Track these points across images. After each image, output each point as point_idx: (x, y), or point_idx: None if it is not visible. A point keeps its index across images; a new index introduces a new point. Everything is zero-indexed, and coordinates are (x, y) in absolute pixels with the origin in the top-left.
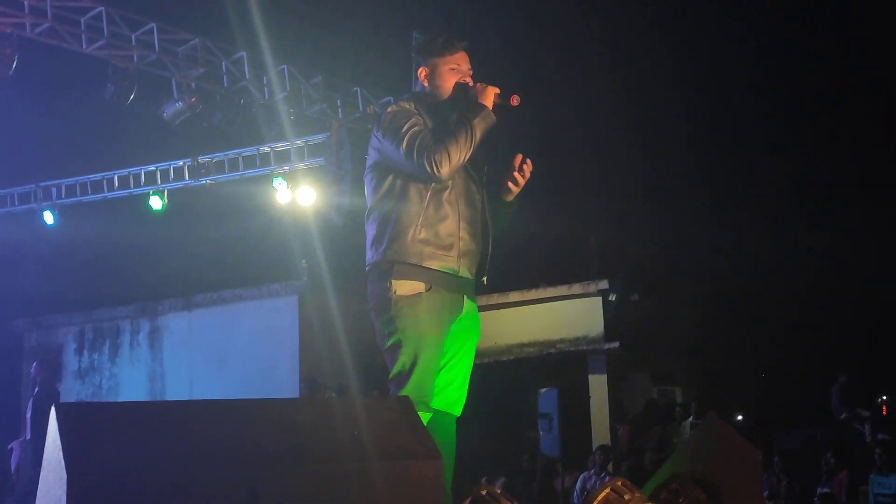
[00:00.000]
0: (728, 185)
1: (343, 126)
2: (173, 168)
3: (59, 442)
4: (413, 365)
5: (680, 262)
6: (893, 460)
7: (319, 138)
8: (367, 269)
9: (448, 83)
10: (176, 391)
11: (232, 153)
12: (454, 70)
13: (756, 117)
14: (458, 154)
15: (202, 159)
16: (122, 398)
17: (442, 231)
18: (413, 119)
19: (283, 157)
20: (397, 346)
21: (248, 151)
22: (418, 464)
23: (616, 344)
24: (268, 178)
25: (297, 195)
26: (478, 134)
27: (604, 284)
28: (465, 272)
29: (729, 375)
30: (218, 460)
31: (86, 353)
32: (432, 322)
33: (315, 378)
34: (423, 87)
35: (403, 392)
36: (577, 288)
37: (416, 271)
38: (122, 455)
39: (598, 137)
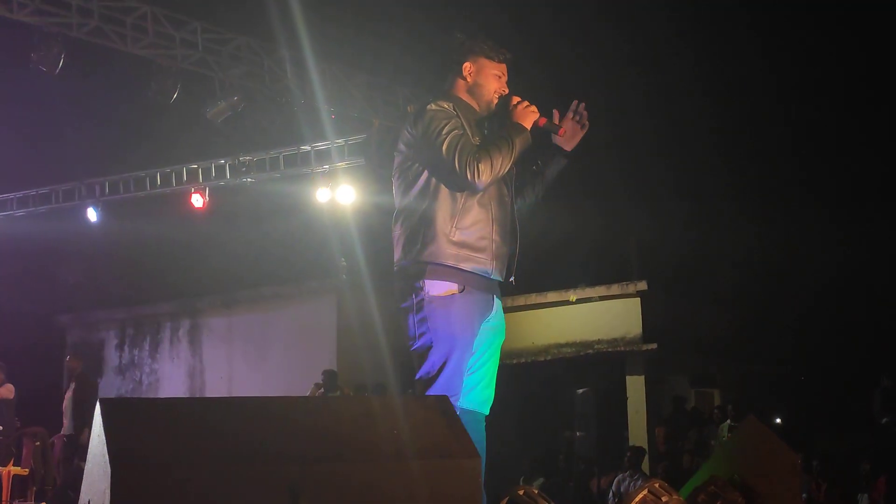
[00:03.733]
0: (771, 187)
1: (383, 126)
2: (215, 166)
3: (103, 436)
4: (443, 365)
5: (720, 264)
6: None
7: (360, 138)
8: (395, 268)
9: (491, 86)
10: (215, 388)
11: (273, 152)
12: (498, 77)
13: (795, 115)
14: (501, 166)
15: (243, 158)
16: (162, 394)
17: (476, 233)
18: (454, 122)
19: (323, 157)
20: (428, 346)
21: (288, 150)
22: (457, 463)
23: (654, 345)
24: (308, 178)
25: (337, 194)
26: (517, 152)
27: (643, 285)
28: (496, 274)
29: (768, 378)
30: (258, 458)
31: (127, 348)
32: (465, 323)
33: (335, 371)
34: (466, 82)
35: (431, 392)
36: (615, 288)
37: (451, 273)
38: (165, 450)
39: (638, 138)
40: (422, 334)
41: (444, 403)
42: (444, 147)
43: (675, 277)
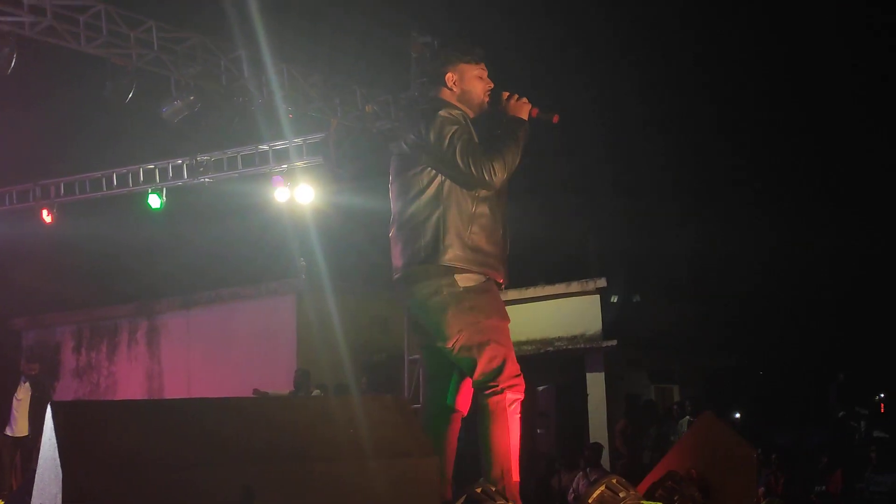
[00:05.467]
0: (727, 186)
1: (341, 125)
2: (172, 166)
3: (54, 440)
4: (505, 349)
5: (677, 260)
6: (889, 458)
7: (318, 137)
8: (407, 271)
9: (477, 89)
10: (174, 389)
11: (230, 151)
12: (480, 78)
13: (757, 118)
14: (513, 163)
15: (201, 158)
16: (120, 396)
17: (489, 237)
18: (463, 127)
19: (281, 156)
20: (476, 335)
21: (246, 150)
22: (415, 462)
23: (614, 342)
24: (266, 177)
25: (296, 194)
26: (522, 145)
27: (602, 283)
28: (500, 277)
29: (727, 373)
30: (214, 459)
31: (84, 351)
32: (500, 307)
33: (308, 370)
34: (453, 92)
35: (502, 378)
36: (575, 286)
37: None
38: (118, 453)
39: (598, 138)
40: (469, 324)
41: (400, 403)
42: (458, 152)
43: (634, 274)
